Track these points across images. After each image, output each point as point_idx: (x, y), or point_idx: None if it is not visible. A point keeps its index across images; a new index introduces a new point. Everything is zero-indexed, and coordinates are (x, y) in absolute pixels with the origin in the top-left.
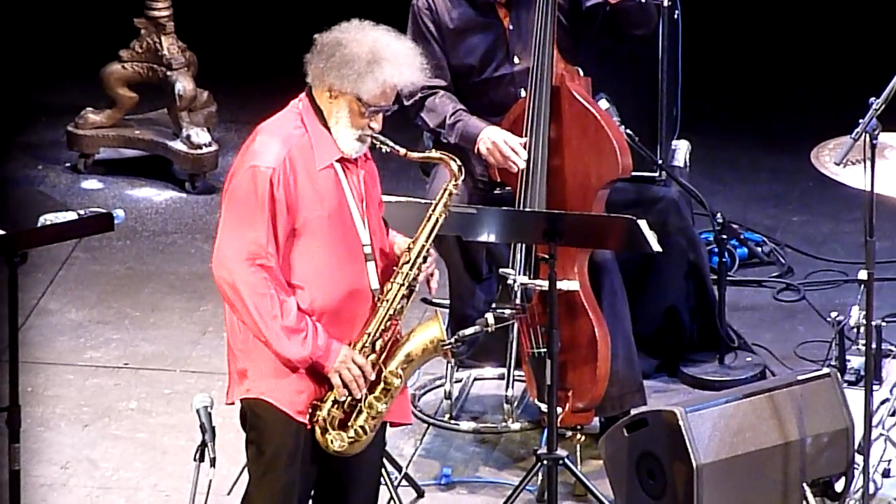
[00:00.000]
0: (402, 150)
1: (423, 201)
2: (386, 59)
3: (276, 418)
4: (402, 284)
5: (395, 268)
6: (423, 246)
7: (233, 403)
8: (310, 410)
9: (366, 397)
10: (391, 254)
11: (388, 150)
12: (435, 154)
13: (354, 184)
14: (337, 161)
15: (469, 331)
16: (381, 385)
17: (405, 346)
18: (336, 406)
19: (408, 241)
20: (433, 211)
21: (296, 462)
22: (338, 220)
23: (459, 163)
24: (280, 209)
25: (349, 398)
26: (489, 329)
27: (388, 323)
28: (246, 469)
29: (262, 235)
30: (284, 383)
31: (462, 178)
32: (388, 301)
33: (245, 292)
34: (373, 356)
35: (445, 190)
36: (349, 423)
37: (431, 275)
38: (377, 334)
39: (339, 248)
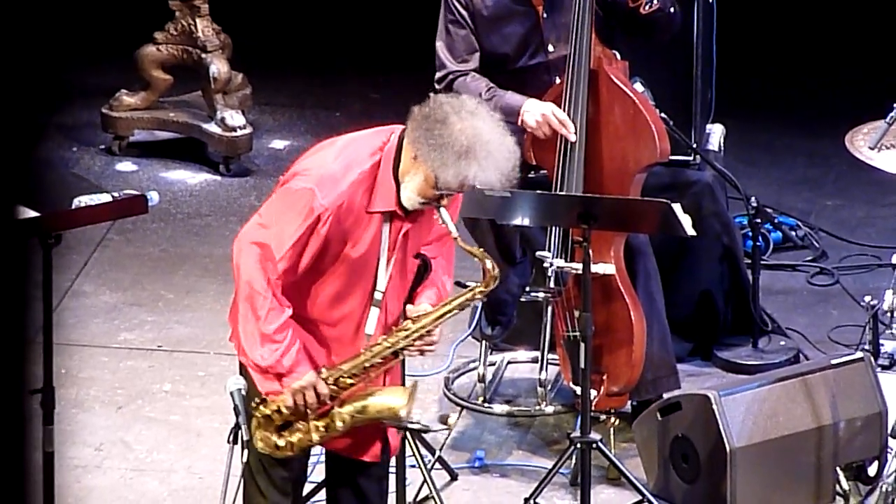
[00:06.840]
0: (456, 234)
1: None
2: (476, 159)
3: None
4: (390, 347)
5: (393, 327)
6: (425, 326)
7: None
8: (257, 400)
9: (309, 421)
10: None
11: (443, 225)
12: (478, 251)
13: (393, 233)
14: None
15: (435, 427)
16: (325, 419)
17: (367, 398)
18: (278, 413)
19: (419, 312)
20: (451, 303)
21: None
22: (359, 259)
23: (497, 271)
24: (314, 242)
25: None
26: (449, 429)
27: (361, 372)
28: None
29: (284, 248)
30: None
31: (495, 285)
32: (370, 352)
33: (244, 278)
34: (333, 388)
35: (472, 291)
36: (282, 433)
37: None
38: (347, 375)
39: (349, 279)
